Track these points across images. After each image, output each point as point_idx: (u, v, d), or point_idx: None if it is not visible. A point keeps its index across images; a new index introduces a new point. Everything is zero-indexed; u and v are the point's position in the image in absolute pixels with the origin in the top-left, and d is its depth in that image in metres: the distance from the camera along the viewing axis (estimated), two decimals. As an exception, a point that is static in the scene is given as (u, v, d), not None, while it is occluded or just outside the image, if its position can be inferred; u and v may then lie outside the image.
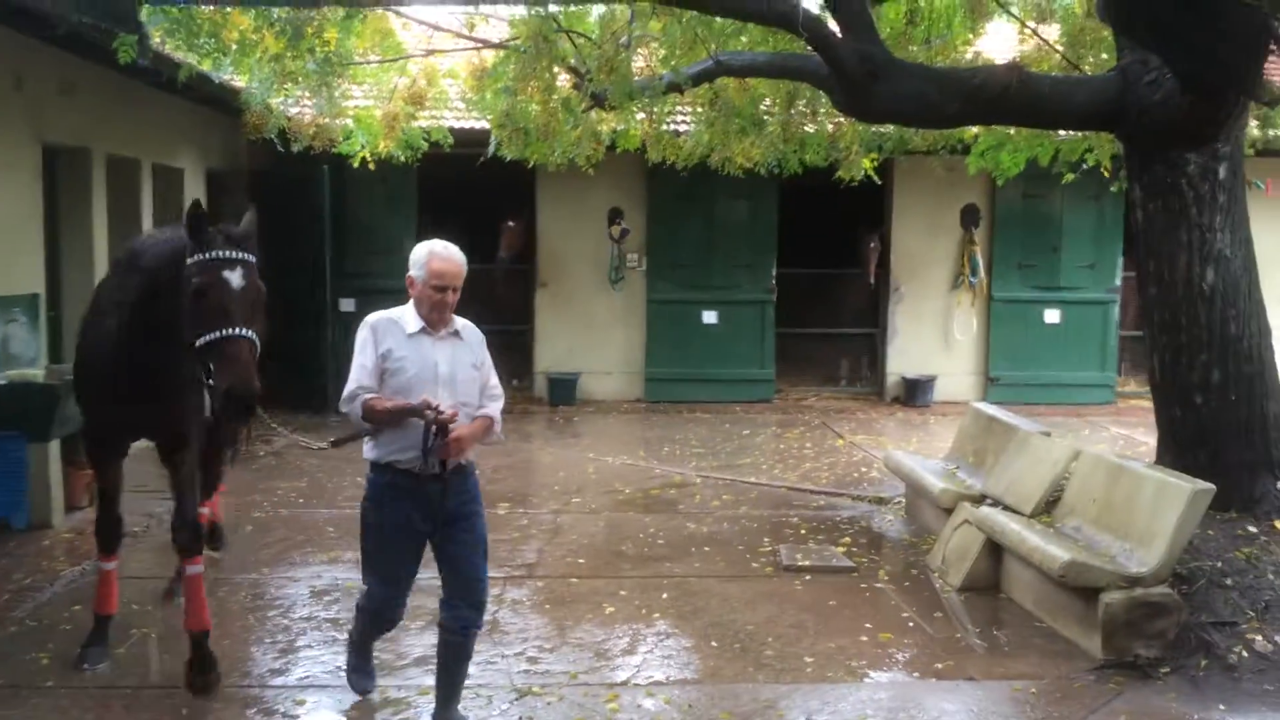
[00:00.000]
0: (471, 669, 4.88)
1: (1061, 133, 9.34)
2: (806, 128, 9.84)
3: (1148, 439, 9.66)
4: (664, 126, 10.05)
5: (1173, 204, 6.23)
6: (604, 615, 5.65)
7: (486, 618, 5.53)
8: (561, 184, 11.86)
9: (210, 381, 3.97)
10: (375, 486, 4.15)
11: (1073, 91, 6.48)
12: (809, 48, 6.85)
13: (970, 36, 9.17)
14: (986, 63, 8.54)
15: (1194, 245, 6.19)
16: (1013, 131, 9.43)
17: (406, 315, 4.14)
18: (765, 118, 9.62)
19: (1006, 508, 6.24)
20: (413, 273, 4.11)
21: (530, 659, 5.08)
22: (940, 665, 5.08)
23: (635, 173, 12.17)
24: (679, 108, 10.24)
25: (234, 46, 7.80)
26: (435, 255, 4.09)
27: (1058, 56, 8.67)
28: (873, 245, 12.88)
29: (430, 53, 10.31)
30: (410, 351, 4.07)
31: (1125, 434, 10.90)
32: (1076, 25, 8.52)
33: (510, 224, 13.14)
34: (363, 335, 4.12)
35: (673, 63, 8.40)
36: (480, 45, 9.71)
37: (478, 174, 10.21)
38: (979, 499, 6.58)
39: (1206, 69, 5.27)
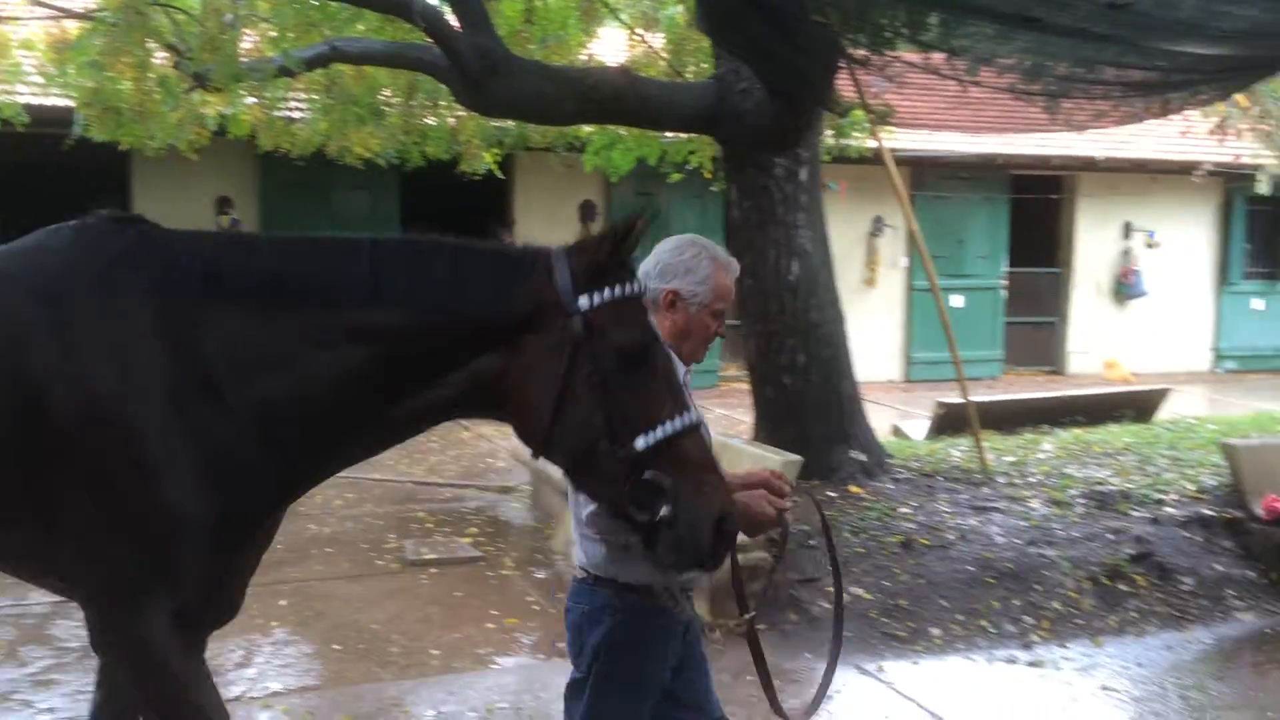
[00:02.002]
0: (58, 702, 4.44)
1: (668, 135, 9.95)
2: (428, 120, 9.78)
3: (746, 418, 10.54)
4: (276, 112, 9.58)
5: (763, 203, 6.84)
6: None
7: (76, 644, 5.05)
8: (162, 170, 10.97)
9: (665, 511, 2.22)
10: (637, 623, 2.75)
11: (676, 96, 6.93)
12: (428, 38, 6.83)
13: (584, 39, 9.52)
14: (599, 65, 8.92)
15: (781, 241, 6.83)
16: (624, 132, 9.91)
17: None
18: (385, 108, 9.44)
19: (624, 489, 6.56)
20: (678, 285, 2.71)
21: (132, 682, 4.69)
22: (563, 644, 5.25)
23: (246, 160, 11.53)
24: (293, 93, 9.81)
25: None
26: (721, 264, 2.74)
27: (664, 63, 9.22)
28: (509, 240, 13.04)
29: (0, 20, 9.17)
30: None
31: (727, 414, 11.80)
32: (680, 34, 9.08)
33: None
34: None
35: (284, 45, 8.04)
36: (61, 15, 8.76)
37: (63, 158, 9.22)
38: (599, 482, 6.87)
39: (788, 80, 5.82)
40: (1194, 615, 5.80)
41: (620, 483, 2.24)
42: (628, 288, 2.31)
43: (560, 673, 4.95)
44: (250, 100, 9.14)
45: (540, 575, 6.29)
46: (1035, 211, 15.41)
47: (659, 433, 2.24)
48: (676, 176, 10.61)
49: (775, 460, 5.63)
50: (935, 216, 13.96)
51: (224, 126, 9.24)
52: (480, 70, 6.34)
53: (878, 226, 14.24)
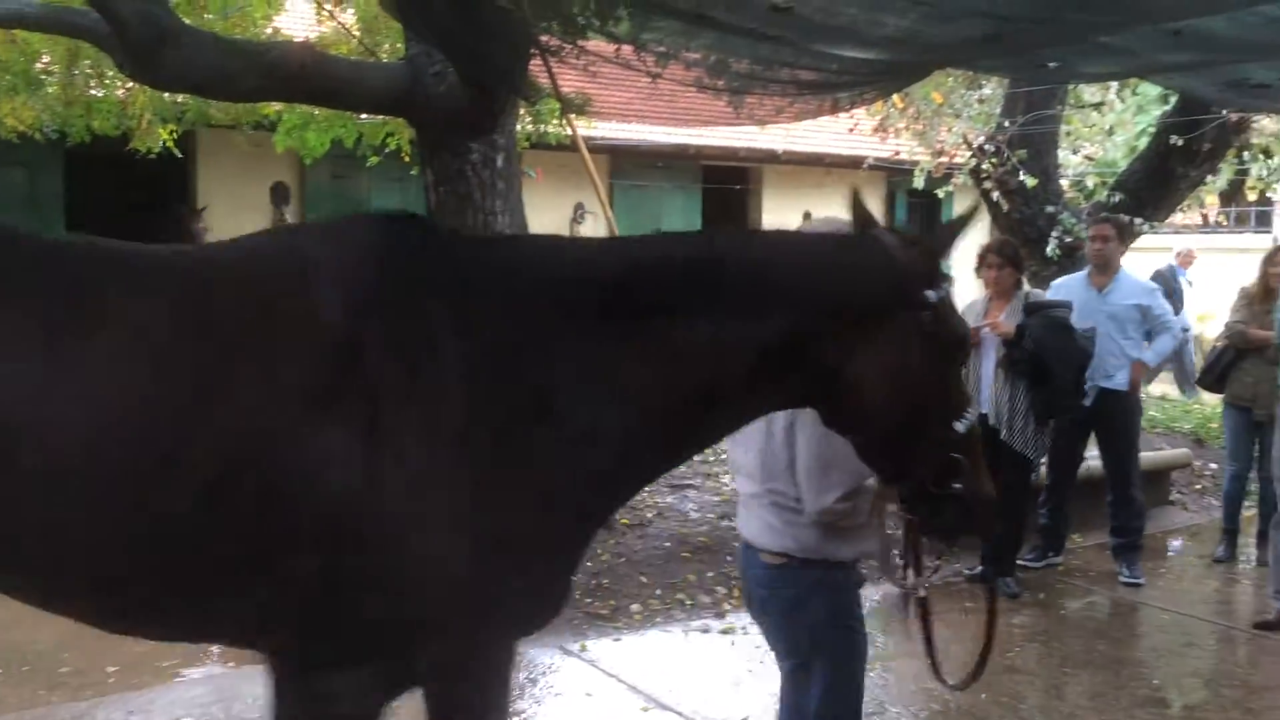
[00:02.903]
0: None
1: (364, 116, 9.65)
2: (93, 91, 8.97)
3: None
4: (-91, 77, 8.48)
5: (460, 189, 6.78)
6: None
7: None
8: None
9: (957, 486, 2.41)
10: (846, 596, 3.08)
11: (366, 76, 6.72)
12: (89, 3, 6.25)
13: (269, 11, 9.05)
14: (286, 40, 8.52)
15: (479, 227, 6.80)
16: (317, 112, 9.52)
17: None
18: (43, 76, 8.58)
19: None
20: None
21: None
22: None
23: (-128, 130, 10.12)
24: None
25: None
26: None
27: (357, 41, 8.92)
28: (201, 225, 12.16)
29: None
30: None
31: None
32: (372, 11, 8.82)
33: None
34: None
35: (-87, 1, 7.10)
36: None
37: None
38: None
39: (478, 67, 5.79)
40: (866, 571, 6.32)
41: (933, 462, 2.38)
42: (948, 290, 2.41)
43: (254, 680, 4.73)
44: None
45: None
46: (726, 201, 16.23)
47: (969, 417, 2.42)
48: (374, 159, 10.33)
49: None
50: (633, 204, 14.39)
51: None
52: (147, 39, 5.86)
53: (579, 213, 14.49)
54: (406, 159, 10.01)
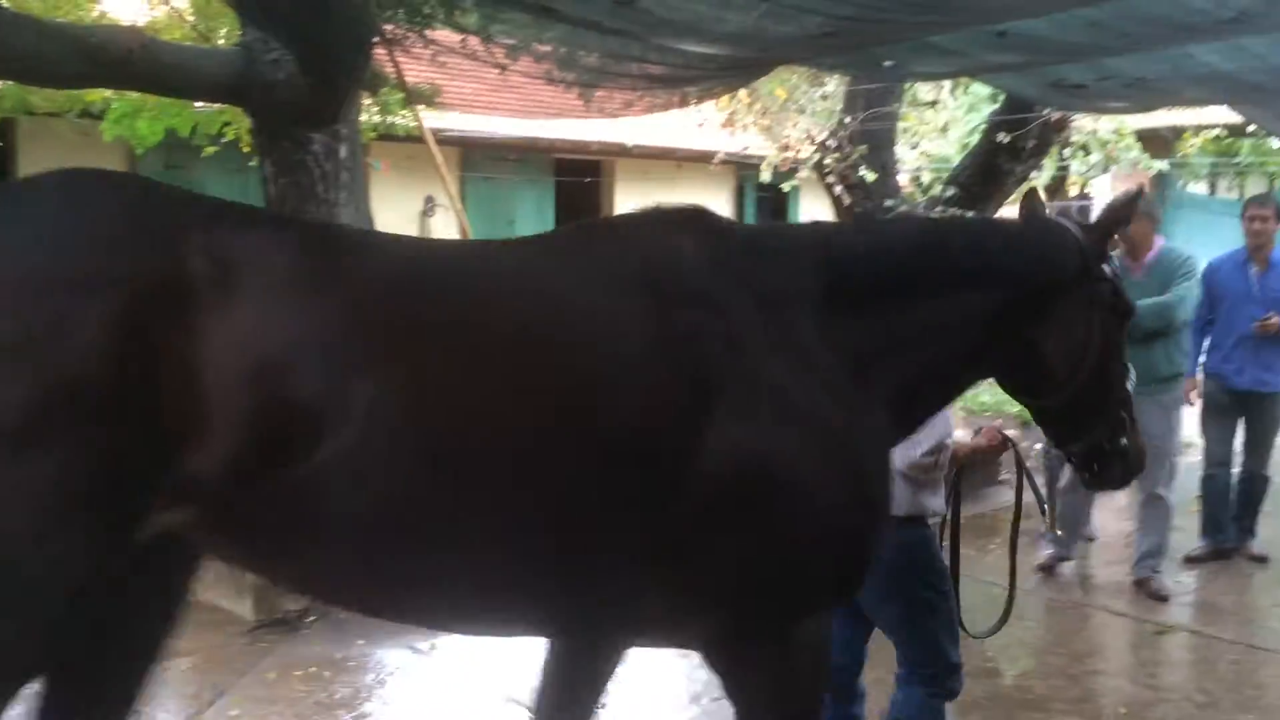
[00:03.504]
0: None
1: (200, 104, 9.27)
2: (-101, 75, 8.35)
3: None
4: None
5: (301, 180, 6.58)
6: None
7: None
8: None
9: (1124, 442, 2.72)
10: (934, 546, 3.42)
11: (198, 63, 6.45)
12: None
13: (93, -6, 8.61)
14: (113, 24, 8.10)
15: (322, 219, 6.62)
16: (150, 99, 9.08)
17: None
18: None
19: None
20: None
21: None
22: None
23: None
24: None
25: None
26: None
27: (191, 26, 8.55)
28: None
29: None
30: None
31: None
32: (205, -4, 8.48)
33: None
34: None
35: None
36: None
37: None
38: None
39: (317, 55, 5.63)
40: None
41: (1111, 419, 2.67)
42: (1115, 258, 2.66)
43: None
44: None
45: None
46: (579, 194, 16.25)
47: (1133, 376, 2.72)
48: (210, 150, 9.93)
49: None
50: (486, 197, 14.26)
51: None
52: (-43, 21, 5.51)
53: (430, 206, 14.27)
54: (245, 149, 9.64)
